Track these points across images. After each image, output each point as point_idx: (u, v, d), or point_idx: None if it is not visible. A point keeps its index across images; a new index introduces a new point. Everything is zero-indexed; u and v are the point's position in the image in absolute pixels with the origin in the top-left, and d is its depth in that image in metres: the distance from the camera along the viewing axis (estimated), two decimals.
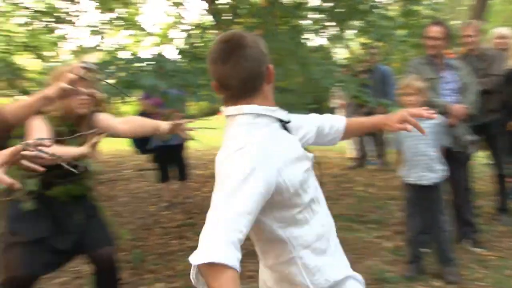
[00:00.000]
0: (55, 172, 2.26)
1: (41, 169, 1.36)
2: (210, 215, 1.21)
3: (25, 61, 15.97)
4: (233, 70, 1.34)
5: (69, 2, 9.51)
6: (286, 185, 1.35)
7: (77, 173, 2.32)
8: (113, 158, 9.43)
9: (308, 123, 1.67)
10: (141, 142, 5.28)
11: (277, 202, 1.35)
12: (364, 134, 6.28)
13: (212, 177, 1.48)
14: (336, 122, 1.79)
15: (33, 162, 1.36)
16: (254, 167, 1.26)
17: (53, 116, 2.32)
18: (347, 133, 1.82)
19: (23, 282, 2.33)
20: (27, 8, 9.56)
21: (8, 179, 1.40)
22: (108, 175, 7.92)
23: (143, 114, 4.93)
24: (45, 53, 13.92)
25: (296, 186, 1.38)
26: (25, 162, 1.38)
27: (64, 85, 1.84)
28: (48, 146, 1.38)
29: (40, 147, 1.34)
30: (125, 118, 2.47)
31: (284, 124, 1.48)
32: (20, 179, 2.33)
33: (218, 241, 1.14)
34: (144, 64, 3.79)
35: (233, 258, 1.14)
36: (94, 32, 10.84)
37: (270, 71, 1.42)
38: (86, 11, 9.65)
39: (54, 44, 13.19)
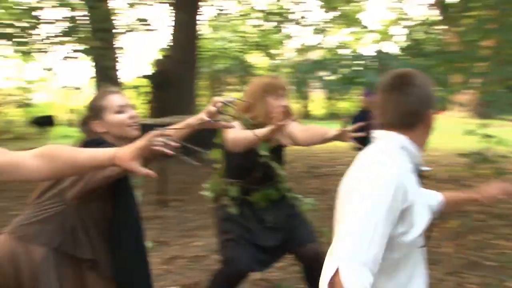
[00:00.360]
0: (253, 178, 2.45)
1: (170, 152, 1.42)
2: (349, 232, 1.27)
3: (255, 59, 17.81)
4: (394, 101, 1.45)
5: (296, 2, 10.21)
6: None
7: (273, 178, 2.46)
8: (329, 153, 9.70)
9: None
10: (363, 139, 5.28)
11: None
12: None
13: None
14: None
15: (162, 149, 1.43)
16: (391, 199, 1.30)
17: (250, 123, 2.45)
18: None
19: (238, 275, 2.50)
20: (261, 10, 10.59)
21: (144, 170, 1.43)
22: (322, 169, 8.20)
23: (363, 111, 4.96)
24: (272, 51, 15.32)
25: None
26: (156, 148, 1.44)
27: (203, 116, 1.94)
28: (171, 135, 1.45)
29: (165, 136, 1.43)
30: (305, 126, 2.45)
31: (418, 171, 1.48)
32: (224, 187, 2.57)
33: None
34: (363, 61, 3.81)
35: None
36: (317, 31, 11.44)
37: (430, 116, 1.46)
38: (311, 11, 10.24)
39: (280, 42, 14.40)
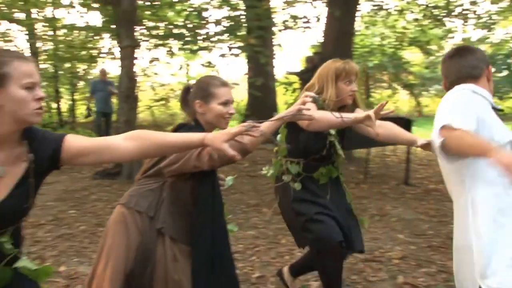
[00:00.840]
0: (317, 157, 2.66)
1: (255, 136, 1.67)
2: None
3: (411, 55, 16.90)
4: (457, 63, 1.97)
5: None
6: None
7: (332, 157, 2.69)
8: None
9: None
10: None
11: None
12: None
13: None
14: None
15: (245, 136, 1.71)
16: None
17: (322, 105, 2.52)
18: None
19: (335, 252, 2.57)
20: (422, 5, 9.94)
21: (231, 151, 1.60)
22: None
23: None
24: (430, 47, 14.37)
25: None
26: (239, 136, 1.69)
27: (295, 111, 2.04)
28: (258, 127, 1.66)
29: (253, 127, 1.64)
30: (381, 122, 2.42)
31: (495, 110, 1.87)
32: (285, 166, 2.70)
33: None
34: None
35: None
36: (480, 24, 10.39)
37: (489, 71, 1.97)
38: (476, 2, 9.32)
39: (441, 38, 13.42)
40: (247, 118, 9.26)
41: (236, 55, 8.21)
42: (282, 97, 11.38)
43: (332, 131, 2.64)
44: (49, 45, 14.34)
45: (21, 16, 11.11)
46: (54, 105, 14.87)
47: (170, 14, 9.65)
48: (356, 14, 7.86)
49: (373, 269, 3.54)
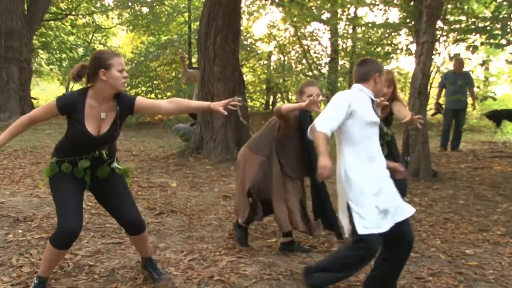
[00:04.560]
0: None
1: (225, 113, 2.95)
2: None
3: None
4: (355, 70, 3.07)
5: None
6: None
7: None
8: None
9: None
10: None
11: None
12: None
13: None
14: None
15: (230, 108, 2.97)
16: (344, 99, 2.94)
17: None
18: None
19: None
20: None
21: (224, 112, 2.94)
22: None
23: None
24: None
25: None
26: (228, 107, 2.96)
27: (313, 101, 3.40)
28: (239, 101, 2.98)
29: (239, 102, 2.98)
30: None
31: (372, 101, 2.99)
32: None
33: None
34: None
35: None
36: None
37: (375, 77, 2.99)
38: None
39: None
40: None
41: None
42: None
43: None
44: (349, 43, 15.30)
45: (328, 16, 12.17)
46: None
47: (475, 6, 8.92)
48: None
49: None
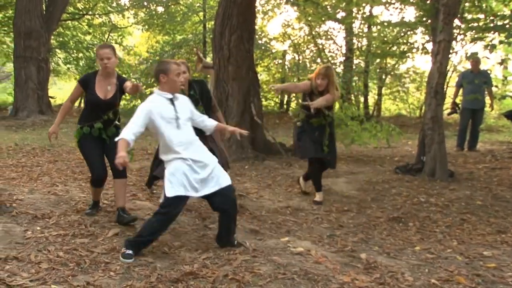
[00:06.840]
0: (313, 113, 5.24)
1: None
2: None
3: None
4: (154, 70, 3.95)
5: None
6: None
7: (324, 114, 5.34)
8: None
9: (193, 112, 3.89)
10: None
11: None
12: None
13: None
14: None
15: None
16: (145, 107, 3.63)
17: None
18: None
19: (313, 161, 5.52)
20: None
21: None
22: None
23: None
24: None
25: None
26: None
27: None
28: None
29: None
30: None
31: (170, 100, 3.69)
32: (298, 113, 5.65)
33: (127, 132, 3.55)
34: None
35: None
36: None
37: (160, 79, 3.67)
38: None
39: None
40: None
41: None
42: None
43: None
44: (364, 42, 15.17)
45: (343, 15, 12.10)
46: (362, 99, 15.69)
47: (493, 4, 8.78)
48: None
49: None
